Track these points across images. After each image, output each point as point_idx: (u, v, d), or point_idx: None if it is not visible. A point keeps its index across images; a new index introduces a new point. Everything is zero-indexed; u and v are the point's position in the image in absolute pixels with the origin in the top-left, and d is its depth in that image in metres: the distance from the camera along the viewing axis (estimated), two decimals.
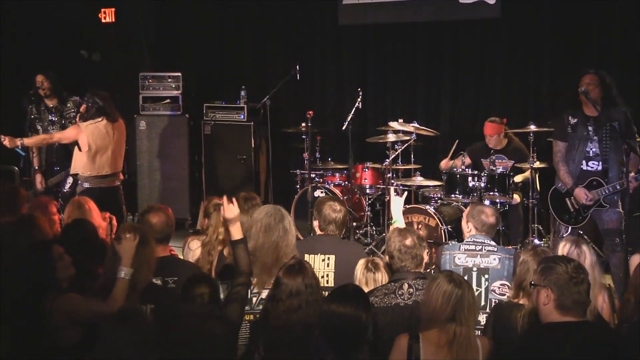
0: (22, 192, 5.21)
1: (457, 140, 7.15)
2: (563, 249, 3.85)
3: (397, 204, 4.72)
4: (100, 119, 6.25)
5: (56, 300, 3.51)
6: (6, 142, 6.20)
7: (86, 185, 6.30)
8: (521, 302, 3.53)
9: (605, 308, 3.76)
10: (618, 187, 5.33)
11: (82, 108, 6.31)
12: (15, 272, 3.65)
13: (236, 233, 3.64)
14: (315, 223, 4.54)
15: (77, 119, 6.41)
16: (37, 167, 6.61)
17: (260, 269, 3.70)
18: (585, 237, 5.35)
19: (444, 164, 6.99)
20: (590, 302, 3.12)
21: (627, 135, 5.31)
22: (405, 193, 5.46)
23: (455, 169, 6.61)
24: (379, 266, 4.04)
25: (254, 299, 3.66)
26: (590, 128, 5.41)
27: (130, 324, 2.80)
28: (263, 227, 3.76)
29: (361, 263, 4.11)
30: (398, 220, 4.53)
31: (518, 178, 6.68)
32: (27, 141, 6.37)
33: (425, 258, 3.90)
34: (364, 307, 2.98)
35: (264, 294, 3.63)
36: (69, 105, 6.86)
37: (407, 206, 6.61)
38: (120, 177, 6.52)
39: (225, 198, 3.72)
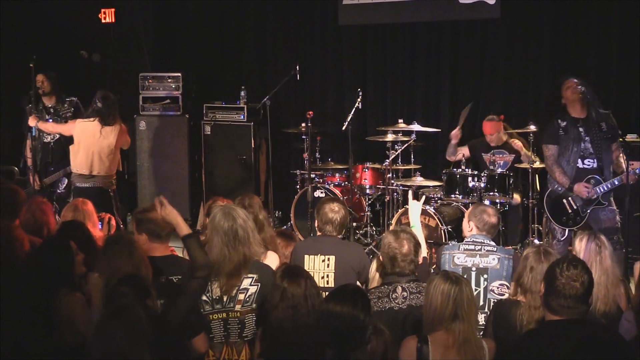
0: (21, 193, 5.21)
1: (469, 105, 6.99)
2: (580, 243, 3.84)
3: (414, 208, 4.70)
4: (93, 119, 6.37)
5: (65, 296, 3.52)
6: (30, 118, 6.66)
7: (75, 183, 6.43)
8: (519, 299, 3.53)
9: (623, 300, 3.78)
10: (616, 183, 5.34)
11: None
12: (32, 267, 3.67)
13: (183, 229, 3.57)
14: (316, 223, 4.57)
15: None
16: (30, 167, 6.65)
17: (228, 274, 3.59)
18: None
19: (455, 134, 6.88)
20: (586, 307, 3.06)
21: (614, 137, 5.39)
22: (424, 197, 5.45)
23: (455, 169, 6.60)
24: None
25: (225, 297, 3.57)
26: (581, 129, 5.44)
27: (120, 320, 2.78)
28: (221, 236, 3.63)
29: (375, 261, 4.15)
30: (415, 225, 4.51)
31: (524, 158, 6.60)
32: (40, 124, 6.71)
33: (420, 260, 3.91)
34: (362, 307, 2.97)
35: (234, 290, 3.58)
36: (65, 105, 6.96)
37: (407, 206, 6.60)
38: (111, 180, 6.53)
39: (157, 201, 3.66)
